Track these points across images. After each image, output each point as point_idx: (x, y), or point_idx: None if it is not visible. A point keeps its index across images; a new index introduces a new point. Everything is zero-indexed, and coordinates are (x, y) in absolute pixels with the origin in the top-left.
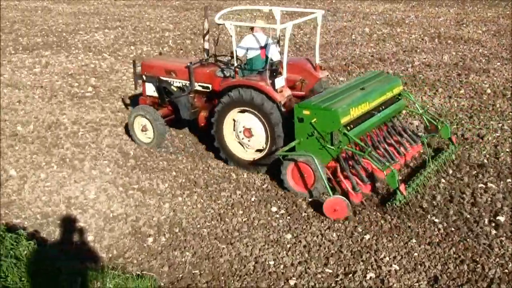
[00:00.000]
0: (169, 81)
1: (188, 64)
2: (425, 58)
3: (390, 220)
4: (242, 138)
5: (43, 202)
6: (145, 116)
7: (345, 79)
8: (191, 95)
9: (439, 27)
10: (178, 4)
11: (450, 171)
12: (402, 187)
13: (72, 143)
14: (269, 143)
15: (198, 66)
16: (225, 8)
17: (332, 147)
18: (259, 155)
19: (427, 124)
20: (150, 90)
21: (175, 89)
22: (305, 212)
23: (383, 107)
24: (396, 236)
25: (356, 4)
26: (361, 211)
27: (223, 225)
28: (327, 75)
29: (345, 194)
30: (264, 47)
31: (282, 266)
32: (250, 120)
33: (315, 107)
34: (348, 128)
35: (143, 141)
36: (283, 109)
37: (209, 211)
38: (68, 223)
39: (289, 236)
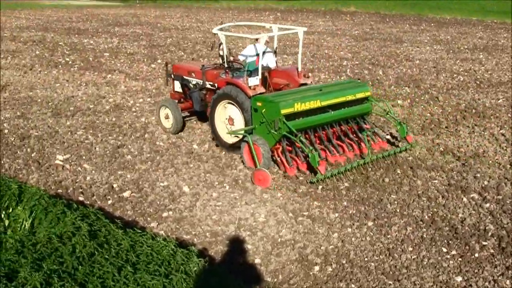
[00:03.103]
0: (189, 80)
1: (201, 66)
2: None
3: None
4: (227, 125)
5: (213, 220)
6: (167, 107)
7: None
8: (203, 91)
9: None
10: (358, 34)
11: None
12: (321, 167)
13: (245, 165)
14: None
15: (210, 68)
16: (228, 23)
17: (275, 132)
18: (237, 139)
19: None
20: (177, 87)
21: (192, 86)
22: (477, 254)
23: (346, 107)
24: None
25: None
26: None
27: (391, 260)
28: (310, 82)
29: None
30: (260, 55)
31: None
32: (232, 111)
33: (265, 100)
34: (296, 119)
35: (165, 126)
36: None
37: (378, 245)
38: (237, 244)
39: (459, 278)
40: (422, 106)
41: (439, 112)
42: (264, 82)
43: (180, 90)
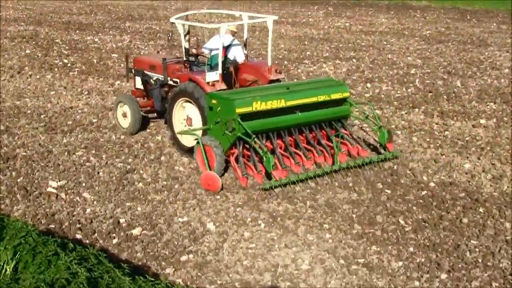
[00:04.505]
0: (150, 75)
1: (162, 60)
2: None
3: None
4: (185, 126)
5: (245, 267)
6: (126, 104)
7: None
8: (165, 88)
9: None
10: (430, 34)
11: None
12: (276, 172)
13: (284, 198)
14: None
15: (173, 62)
16: (192, 10)
17: (230, 134)
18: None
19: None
20: (138, 83)
21: (153, 82)
22: None
23: (319, 109)
24: None
25: None
26: None
27: None
28: (283, 78)
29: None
30: (226, 48)
31: None
32: (190, 110)
33: (220, 97)
34: (256, 119)
35: (123, 125)
36: None
37: None
38: None
39: None
40: None
41: None
42: (229, 77)
43: (141, 87)
